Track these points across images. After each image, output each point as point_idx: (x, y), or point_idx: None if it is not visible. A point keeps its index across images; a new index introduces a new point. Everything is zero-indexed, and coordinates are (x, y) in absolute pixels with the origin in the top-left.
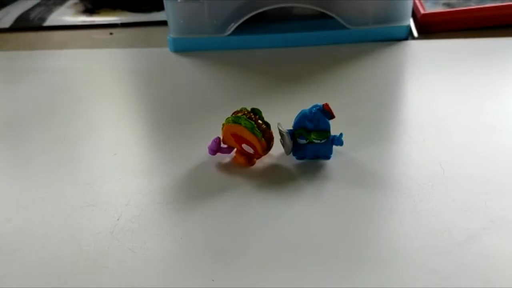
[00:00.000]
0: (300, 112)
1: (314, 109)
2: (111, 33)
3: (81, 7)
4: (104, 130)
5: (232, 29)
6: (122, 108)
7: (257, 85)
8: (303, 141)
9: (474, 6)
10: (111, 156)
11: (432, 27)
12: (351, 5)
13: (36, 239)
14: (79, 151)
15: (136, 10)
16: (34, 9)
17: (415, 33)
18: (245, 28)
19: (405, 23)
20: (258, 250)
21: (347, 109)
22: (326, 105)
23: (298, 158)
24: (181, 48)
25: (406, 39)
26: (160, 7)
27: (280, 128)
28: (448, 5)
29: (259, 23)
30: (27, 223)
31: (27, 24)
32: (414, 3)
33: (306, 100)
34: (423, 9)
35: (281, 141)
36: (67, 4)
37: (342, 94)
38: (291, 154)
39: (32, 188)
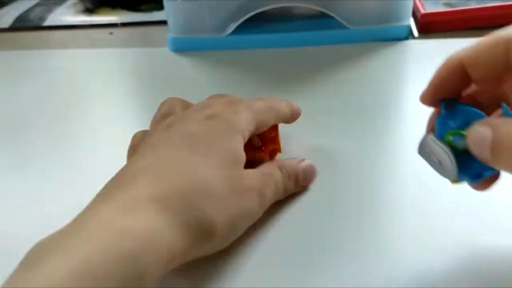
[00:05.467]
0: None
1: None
2: (110, 33)
3: (80, 7)
4: (104, 130)
5: (232, 28)
6: (122, 108)
7: (257, 85)
8: (461, 142)
9: (474, 6)
10: (111, 157)
11: (433, 27)
12: (351, 5)
13: (36, 240)
14: (79, 152)
15: (136, 9)
16: (34, 9)
17: (416, 33)
18: (245, 28)
19: (405, 23)
20: (256, 248)
21: (347, 110)
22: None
23: (473, 181)
24: (181, 47)
25: (406, 39)
26: (160, 7)
27: (433, 142)
28: (448, 5)
29: (259, 23)
30: (25, 224)
31: (27, 24)
32: (415, 3)
33: (306, 100)
34: (424, 8)
35: (434, 163)
36: (67, 3)
37: (343, 94)
38: (459, 176)
39: (31, 189)
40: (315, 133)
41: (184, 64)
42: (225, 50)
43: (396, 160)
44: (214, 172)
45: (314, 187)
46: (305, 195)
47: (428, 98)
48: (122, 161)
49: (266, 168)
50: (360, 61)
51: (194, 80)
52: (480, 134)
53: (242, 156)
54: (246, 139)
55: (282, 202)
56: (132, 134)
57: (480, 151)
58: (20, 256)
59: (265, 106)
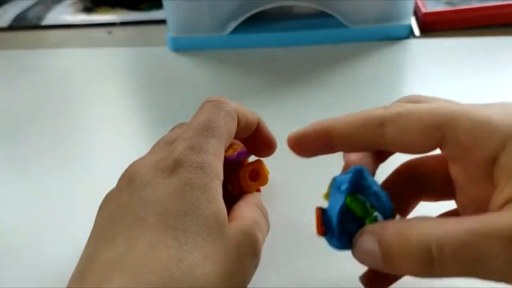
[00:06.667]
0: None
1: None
2: (109, 32)
3: (79, 6)
4: (103, 129)
5: (232, 28)
6: (121, 108)
7: (257, 84)
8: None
9: (475, 5)
10: (110, 156)
11: (434, 26)
12: (352, 4)
13: (36, 240)
14: (78, 151)
15: (135, 8)
16: (32, 8)
17: (417, 32)
18: (245, 27)
19: (406, 22)
20: None
21: (347, 109)
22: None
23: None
24: (181, 47)
25: (407, 38)
26: (159, 6)
27: None
28: (449, 4)
29: (259, 22)
30: (25, 224)
31: (25, 23)
32: (416, 2)
33: (306, 99)
34: (425, 8)
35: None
36: (66, 2)
37: (343, 93)
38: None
39: (30, 188)
40: None
41: (184, 64)
42: (225, 49)
43: (396, 159)
44: (197, 256)
45: (317, 183)
46: (307, 192)
47: (296, 138)
48: (121, 160)
49: (248, 213)
50: (361, 60)
51: (194, 79)
52: (366, 248)
53: (224, 214)
54: (222, 164)
55: (284, 203)
56: (131, 133)
57: (373, 264)
58: (20, 255)
59: (222, 116)
